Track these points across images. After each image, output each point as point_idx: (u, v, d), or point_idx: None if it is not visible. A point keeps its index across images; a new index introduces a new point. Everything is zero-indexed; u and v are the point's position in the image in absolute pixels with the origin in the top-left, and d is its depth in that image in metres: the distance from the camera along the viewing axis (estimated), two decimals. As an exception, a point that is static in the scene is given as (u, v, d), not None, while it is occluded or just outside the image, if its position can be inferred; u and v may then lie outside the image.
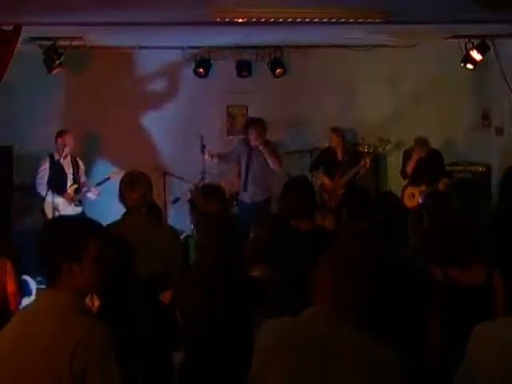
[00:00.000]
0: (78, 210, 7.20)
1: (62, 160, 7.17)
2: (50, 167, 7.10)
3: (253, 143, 7.20)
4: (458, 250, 3.21)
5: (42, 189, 7.04)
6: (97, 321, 2.18)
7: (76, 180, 7.28)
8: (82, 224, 2.32)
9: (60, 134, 7.19)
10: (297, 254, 3.35)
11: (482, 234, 3.39)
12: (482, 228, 3.59)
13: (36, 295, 2.33)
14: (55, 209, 6.82)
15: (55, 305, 2.17)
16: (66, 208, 7.04)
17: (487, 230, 4.02)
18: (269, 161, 7.19)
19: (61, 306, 2.16)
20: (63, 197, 7.10)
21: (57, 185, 7.02)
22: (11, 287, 4.45)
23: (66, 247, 2.19)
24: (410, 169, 7.73)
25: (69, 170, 7.24)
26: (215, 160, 7.54)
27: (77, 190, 7.22)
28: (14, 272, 4.47)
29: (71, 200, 7.14)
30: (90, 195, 7.28)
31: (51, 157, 7.17)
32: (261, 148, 7.15)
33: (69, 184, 7.21)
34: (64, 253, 2.19)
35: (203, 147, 7.43)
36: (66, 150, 7.17)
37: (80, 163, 7.41)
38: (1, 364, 2.15)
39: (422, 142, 7.65)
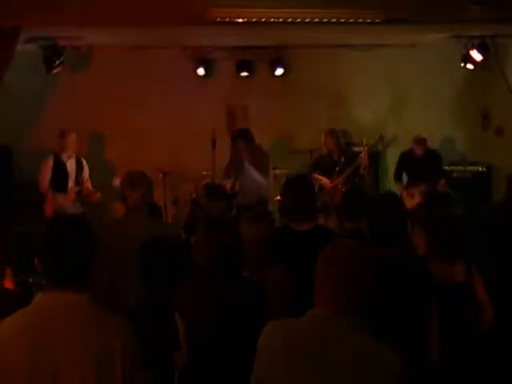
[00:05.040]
0: (79, 210, 7.16)
1: (65, 160, 7.13)
2: (53, 166, 7.06)
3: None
4: (446, 245, 3.25)
5: (44, 188, 7.00)
6: (126, 318, 2.25)
7: (79, 181, 7.23)
8: (89, 223, 2.36)
9: (63, 134, 7.11)
10: (298, 254, 3.34)
11: (469, 235, 3.43)
12: (470, 229, 3.64)
13: (44, 296, 2.28)
14: (56, 209, 6.79)
15: (81, 305, 2.18)
16: (67, 208, 7.01)
17: (480, 230, 4.07)
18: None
19: (86, 305, 2.18)
20: (64, 197, 7.08)
21: (58, 185, 6.99)
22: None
23: (94, 246, 2.25)
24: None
25: (72, 171, 7.18)
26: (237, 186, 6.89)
27: (78, 193, 7.17)
28: (12, 273, 4.46)
29: (72, 202, 7.11)
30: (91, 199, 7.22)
31: (55, 156, 7.08)
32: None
33: (70, 185, 7.17)
34: (94, 251, 2.25)
35: (214, 142, 7.21)
36: (70, 151, 7.12)
37: (84, 164, 7.33)
38: (26, 367, 2.10)
39: (420, 140, 7.67)
